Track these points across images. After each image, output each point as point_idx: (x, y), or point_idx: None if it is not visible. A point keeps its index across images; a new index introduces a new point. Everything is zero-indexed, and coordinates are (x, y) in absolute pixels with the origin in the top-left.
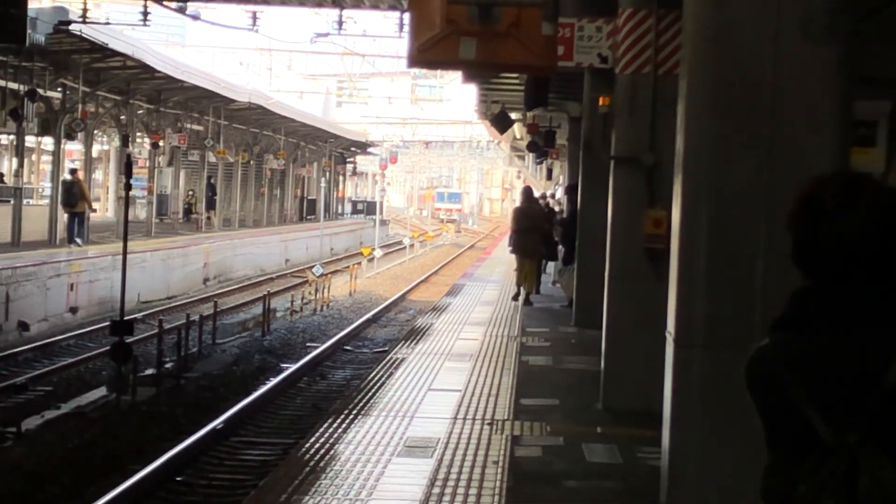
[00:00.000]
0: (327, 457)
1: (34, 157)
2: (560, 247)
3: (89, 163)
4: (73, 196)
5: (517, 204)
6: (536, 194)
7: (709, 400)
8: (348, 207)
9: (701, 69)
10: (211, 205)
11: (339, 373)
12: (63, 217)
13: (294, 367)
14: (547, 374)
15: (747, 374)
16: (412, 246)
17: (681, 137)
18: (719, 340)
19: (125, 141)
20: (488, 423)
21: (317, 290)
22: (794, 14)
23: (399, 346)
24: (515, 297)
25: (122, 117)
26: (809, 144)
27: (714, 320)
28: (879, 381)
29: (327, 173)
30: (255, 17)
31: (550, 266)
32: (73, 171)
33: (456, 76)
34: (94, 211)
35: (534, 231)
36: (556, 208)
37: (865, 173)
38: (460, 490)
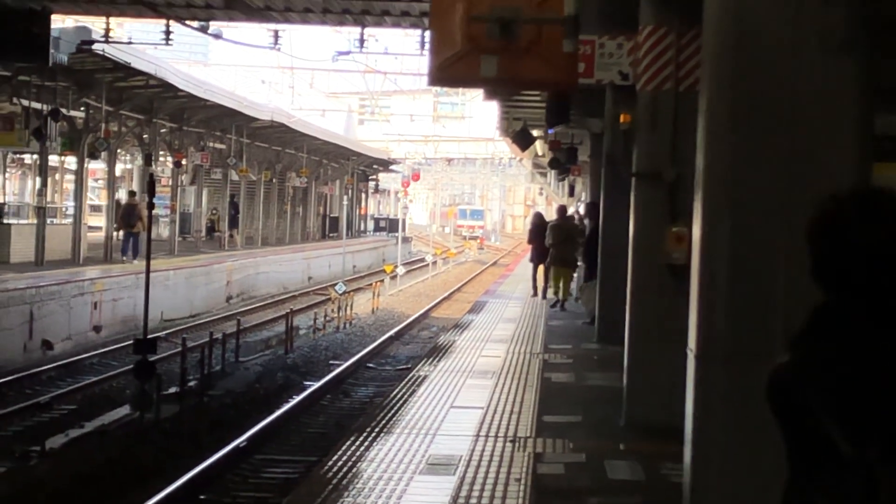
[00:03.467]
0: (350, 474)
1: (57, 176)
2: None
3: (112, 182)
4: (133, 217)
5: (554, 219)
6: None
7: (730, 415)
8: (371, 225)
9: (721, 85)
10: (234, 223)
11: (361, 390)
12: (118, 235)
13: (317, 384)
14: (569, 391)
15: (768, 389)
16: (435, 263)
17: (702, 153)
18: (740, 355)
19: (148, 160)
20: (511, 441)
21: (339, 308)
22: (812, 28)
23: (422, 363)
24: (545, 296)
25: (145, 136)
26: (830, 159)
27: (735, 335)
28: None
29: (349, 191)
30: (276, 36)
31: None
32: (133, 194)
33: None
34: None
35: (569, 244)
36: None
37: (885, 187)
38: None
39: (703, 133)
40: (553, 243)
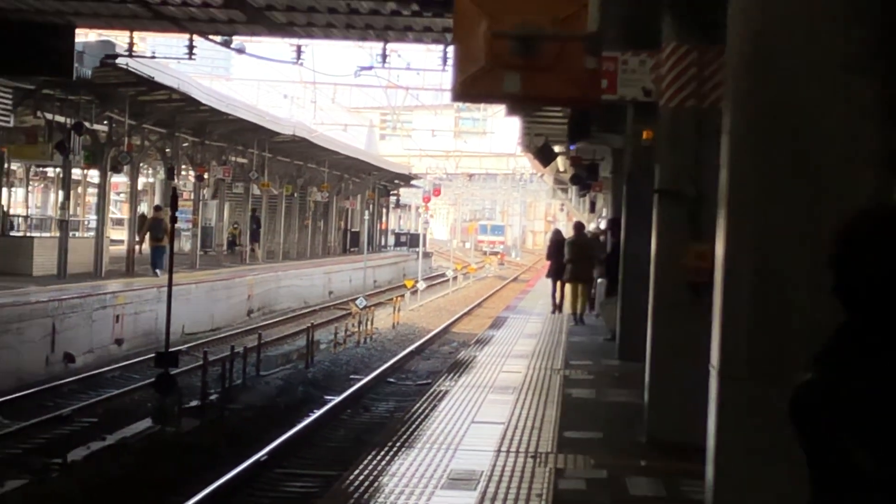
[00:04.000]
0: (371, 489)
1: (80, 189)
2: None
3: (134, 195)
4: (160, 230)
5: (570, 236)
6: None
7: (752, 433)
8: (391, 239)
9: (744, 103)
10: (255, 237)
11: (382, 405)
12: (140, 249)
13: (337, 399)
14: (590, 407)
15: (791, 407)
16: (455, 278)
17: (724, 170)
18: (763, 373)
19: (170, 174)
20: (532, 456)
21: (360, 323)
22: (835, 47)
23: (442, 378)
24: (560, 310)
25: (168, 150)
26: (853, 177)
27: (758, 353)
28: None
29: (370, 205)
30: (299, 51)
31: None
32: (159, 208)
33: (499, 109)
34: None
35: (585, 260)
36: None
37: None
38: None
39: (726, 150)
40: (570, 259)
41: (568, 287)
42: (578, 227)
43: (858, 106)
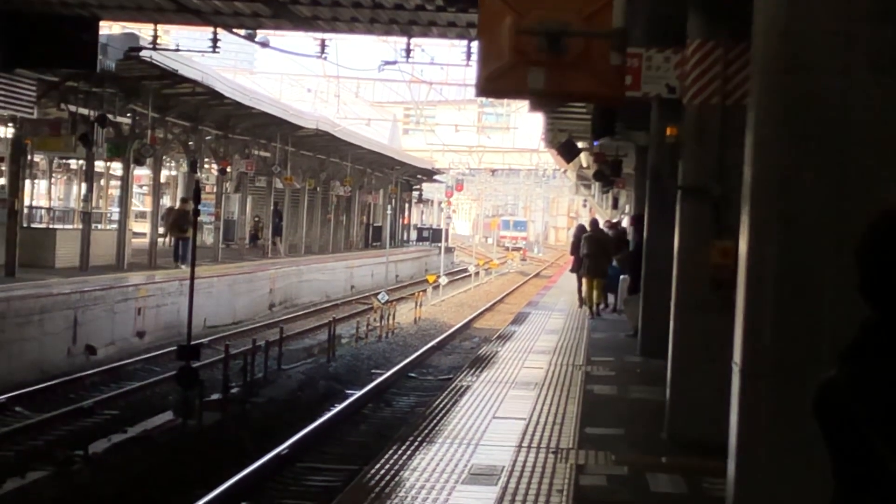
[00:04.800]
0: (392, 483)
1: (102, 181)
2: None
3: (157, 188)
4: (186, 222)
5: (588, 232)
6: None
7: (775, 430)
8: (414, 234)
9: (770, 100)
10: (277, 231)
11: (403, 400)
12: (168, 241)
13: (359, 393)
14: (612, 404)
15: (815, 404)
16: (477, 274)
17: (749, 168)
18: (787, 371)
19: (193, 167)
20: (553, 452)
21: (382, 317)
22: (863, 46)
23: (464, 373)
24: (593, 311)
25: (191, 143)
26: (879, 175)
27: (781, 350)
28: None
29: (393, 200)
30: (323, 45)
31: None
32: (185, 200)
33: (523, 105)
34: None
35: (602, 255)
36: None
37: None
38: None
39: (751, 148)
40: (587, 254)
41: (584, 281)
42: (594, 223)
43: (886, 104)
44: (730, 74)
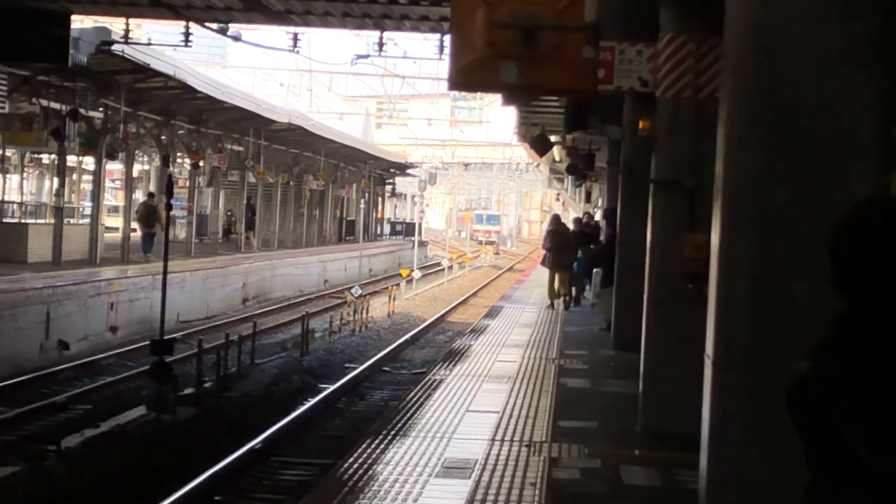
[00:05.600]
0: (365, 477)
1: (75, 176)
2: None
3: (130, 183)
4: (152, 218)
5: (550, 227)
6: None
7: (748, 424)
8: (387, 228)
9: (742, 93)
10: (250, 225)
11: (377, 394)
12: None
13: (332, 387)
14: (585, 397)
15: (788, 397)
16: (451, 267)
17: (721, 161)
18: (759, 364)
19: (166, 161)
20: (526, 445)
21: (355, 311)
22: (835, 39)
23: (437, 367)
24: (553, 306)
25: (163, 137)
26: (851, 169)
27: (754, 344)
28: None
29: (366, 194)
30: (295, 39)
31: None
32: (152, 195)
33: (496, 99)
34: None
35: (566, 249)
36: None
37: None
38: None
39: (723, 141)
40: (549, 248)
41: (549, 274)
42: (555, 218)
43: (858, 97)
44: (702, 68)
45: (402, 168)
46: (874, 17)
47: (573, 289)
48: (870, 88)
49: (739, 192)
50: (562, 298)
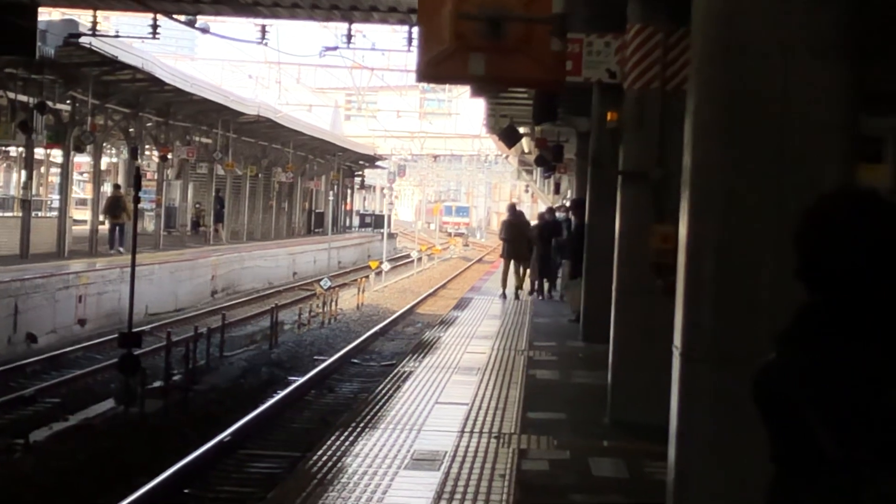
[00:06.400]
0: (335, 469)
1: (42, 169)
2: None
3: (98, 175)
4: (118, 208)
5: (506, 217)
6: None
7: (715, 414)
8: (356, 221)
9: (709, 85)
10: (219, 218)
11: (346, 386)
12: (100, 227)
13: (302, 379)
14: (554, 388)
15: (754, 388)
16: (420, 259)
17: (688, 152)
18: (726, 355)
19: (134, 154)
20: (495, 437)
21: (324, 304)
22: (801, 30)
23: (406, 359)
24: (505, 296)
25: (131, 130)
26: (817, 160)
27: (721, 335)
28: (886, 396)
29: (335, 186)
30: (264, 31)
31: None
32: (117, 187)
33: (464, 91)
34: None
35: (521, 239)
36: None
37: (873, 188)
38: (467, 503)
39: (690, 133)
40: (506, 238)
41: (504, 264)
42: (512, 208)
43: (824, 88)
44: (670, 59)
45: (372, 160)
46: (840, 8)
47: (545, 281)
48: (836, 79)
49: (707, 183)
50: (518, 289)
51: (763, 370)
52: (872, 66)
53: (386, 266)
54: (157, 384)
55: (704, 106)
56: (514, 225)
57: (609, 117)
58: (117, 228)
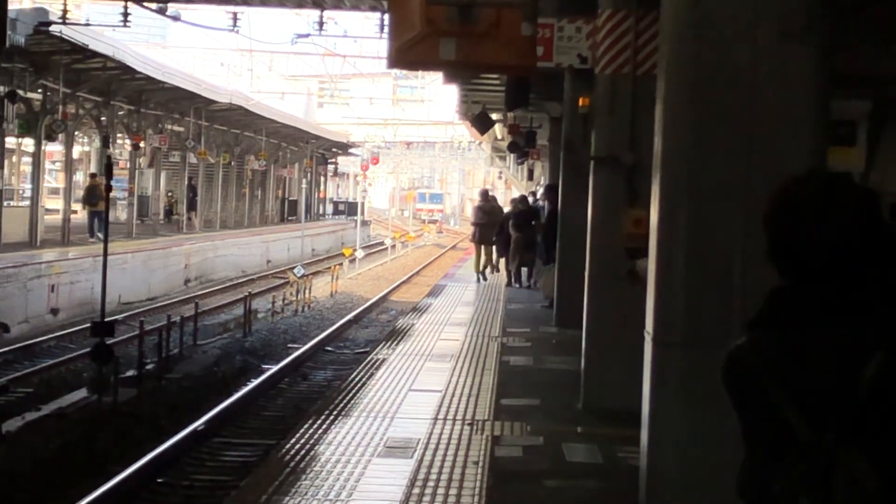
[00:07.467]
0: (308, 457)
1: (14, 158)
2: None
3: (70, 164)
4: (95, 196)
5: (477, 202)
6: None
7: (687, 398)
8: (330, 208)
9: (679, 68)
10: (192, 206)
11: (320, 374)
12: (73, 216)
13: (275, 368)
14: (527, 374)
15: (725, 372)
16: (394, 247)
17: (659, 137)
18: (697, 339)
19: (106, 142)
20: (469, 424)
21: (298, 291)
22: (771, 13)
23: (380, 346)
24: (484, 278)
25: (103, 118)
26: (787, 143)
27: (692, 319)
28: (857, 379)
29: (308, 174)
30: (235, 18)
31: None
32: (94, 175)
33: (437, 77)
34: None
35: (490, 224)
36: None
37: (841, 172)
38: (440, 490)
39: (660, 117)
40: (476, 223)
41: (475, 249)
42: (484, 194)
43: (795, 72)
44: (641, 44)
45: (345, 147)
46: None
47: (522, 269)
48: (806, 62)
49: (677, 167)
50: (486, 270)
51: (734, 354)
52: (845, 48)
53: (360, 253)
54: (130, 373)
55: (674, 90)
56: (486, 211)
57: (581, 102)
58: (95, 216)
